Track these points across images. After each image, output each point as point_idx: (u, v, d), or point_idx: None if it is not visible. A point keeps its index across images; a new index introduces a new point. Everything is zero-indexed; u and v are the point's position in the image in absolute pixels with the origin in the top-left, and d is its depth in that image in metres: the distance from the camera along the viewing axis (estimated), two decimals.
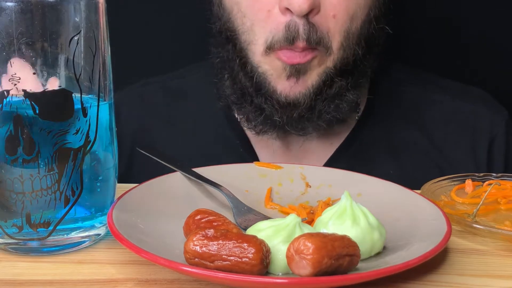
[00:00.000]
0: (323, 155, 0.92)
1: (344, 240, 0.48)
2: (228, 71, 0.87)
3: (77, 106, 0.53)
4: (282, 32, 0.79)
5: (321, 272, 0.46)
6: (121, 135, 0.83)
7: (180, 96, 0.97)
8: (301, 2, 0.76)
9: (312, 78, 0.82)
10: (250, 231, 0.52)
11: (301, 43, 0.78)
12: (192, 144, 0.94)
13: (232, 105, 0.89)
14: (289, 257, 0.46)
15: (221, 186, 0.65)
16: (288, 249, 0.47)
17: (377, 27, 0.85)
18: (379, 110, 0.94)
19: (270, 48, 0.80)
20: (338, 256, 0.46)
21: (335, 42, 0.80)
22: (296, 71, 0.80)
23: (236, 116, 0.93)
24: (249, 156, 0.91)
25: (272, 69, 0.82)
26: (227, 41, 0.86)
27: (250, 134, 0.93)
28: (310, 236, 0.46)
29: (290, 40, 0.78)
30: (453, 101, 0.95)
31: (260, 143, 0.92)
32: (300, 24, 0.78)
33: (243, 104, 0.86)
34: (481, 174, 0.72)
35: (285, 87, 0.81)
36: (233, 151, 0.92)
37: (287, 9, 0.77)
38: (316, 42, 0.79)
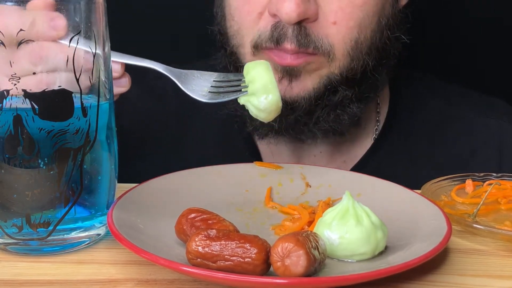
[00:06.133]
0: None
1: (311, 234, 0.49)
2: None
3: (77, 106, 0.53)
4: (269, 31, 0.75)
5: (312, 265, 0.46)
6: (128, 127, 0.81)
7: None
8: (289, 10, 0.71)
9: (313, 81, 0.78)
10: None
11: (288, 45, 0.74)
12: (201, 147, 0.91)
13: (229, 110, 0.85)
14: (280, 267, 0.46)
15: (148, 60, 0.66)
16: (274, 262, 0.46)
17: (391, 36, 0.80)
18: (398, 128, 0.90)
19: (256, 48, 0.77)
20: (314, 247, 0.47)
21: (340, 50, 0.76)
22: (288, 73, 0.76)
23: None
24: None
25: None
26: (220, 45, 0.83)
27: (259, 144, 0.90)
28: (283, 239, 0.47)
29: (275, 40, 0.74)
30: (478, 117, 0.90)
31: (269, 157, 0.90)
32: (289, 27, 0.74)
33: (239, 108, 0.82)
34: (481, 174, 0.72)
35: (280, 89, 0.75)
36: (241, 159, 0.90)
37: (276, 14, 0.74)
38: (307, 46, 0.74)
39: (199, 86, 0.65)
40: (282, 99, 0.73)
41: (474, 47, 1.14)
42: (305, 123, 0.80)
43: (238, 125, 0.87)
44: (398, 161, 0.88)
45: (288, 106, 0.78)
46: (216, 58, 0.86)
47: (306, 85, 0.78)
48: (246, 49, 0.78)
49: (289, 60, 0.75)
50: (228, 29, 0.81)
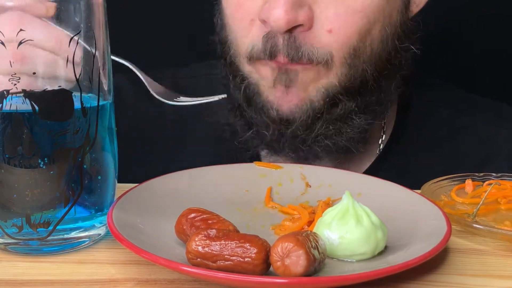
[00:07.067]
0: None
1: (311, 233, 0.49)
2: (227, 88, 0.81)
3: (77, 106, 0.53)
4: (261, 43, 0.72)
5: (312, 265, 0.46)
6: (128, 127, 0.81)
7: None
8: (278, 18, 0.68)
9: (310, 92, 0.74)
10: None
11: (282, 58, 0.71)
12: (201, 147, 0.91)
13: (222, 120, 0.82)
14: (280, 266, 0.46)
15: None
16: (274, 262, 0.46)
17: (399, 46, 0.76)
18: (405, 139, 0.86)
19: (251, 59, 0.74)
20: (314, 247, 0.47)
21: (338, 57, 0.72)
22: (283, 77, 0.72)
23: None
24: None
25: (262, 78, 0.75)
26: (220, 54, 0.81)
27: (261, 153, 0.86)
28: (283, 239, 0.47)
29: (268, 53, 0.71)
30: (489, 127, 0.87)
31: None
32: (280, 36, 0.70)
33: (231, 117, 0.80)
34: (481, 174, 0.72)
35: (276, 96, 0.74)
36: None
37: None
38: (299, 60, 0.71)
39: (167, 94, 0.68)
40: (278, 111, 0.74)
41: (473, 47, 1.14)
42: (304, 140, 0.76)
43: (227, 135, 0.83)
44: (405, 172, 0.84)
45: (283, 119, 0.75)
46: (217, 68, 0.84)
47: (304, 96, 0.74)
48: (242, 59, 0.76)
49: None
50: (227, 38, 0.78)
